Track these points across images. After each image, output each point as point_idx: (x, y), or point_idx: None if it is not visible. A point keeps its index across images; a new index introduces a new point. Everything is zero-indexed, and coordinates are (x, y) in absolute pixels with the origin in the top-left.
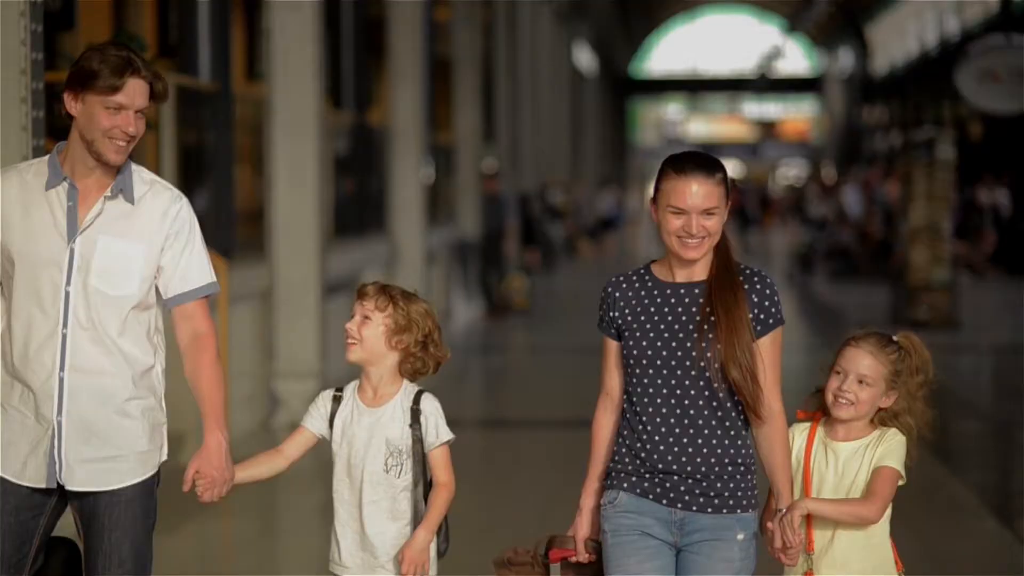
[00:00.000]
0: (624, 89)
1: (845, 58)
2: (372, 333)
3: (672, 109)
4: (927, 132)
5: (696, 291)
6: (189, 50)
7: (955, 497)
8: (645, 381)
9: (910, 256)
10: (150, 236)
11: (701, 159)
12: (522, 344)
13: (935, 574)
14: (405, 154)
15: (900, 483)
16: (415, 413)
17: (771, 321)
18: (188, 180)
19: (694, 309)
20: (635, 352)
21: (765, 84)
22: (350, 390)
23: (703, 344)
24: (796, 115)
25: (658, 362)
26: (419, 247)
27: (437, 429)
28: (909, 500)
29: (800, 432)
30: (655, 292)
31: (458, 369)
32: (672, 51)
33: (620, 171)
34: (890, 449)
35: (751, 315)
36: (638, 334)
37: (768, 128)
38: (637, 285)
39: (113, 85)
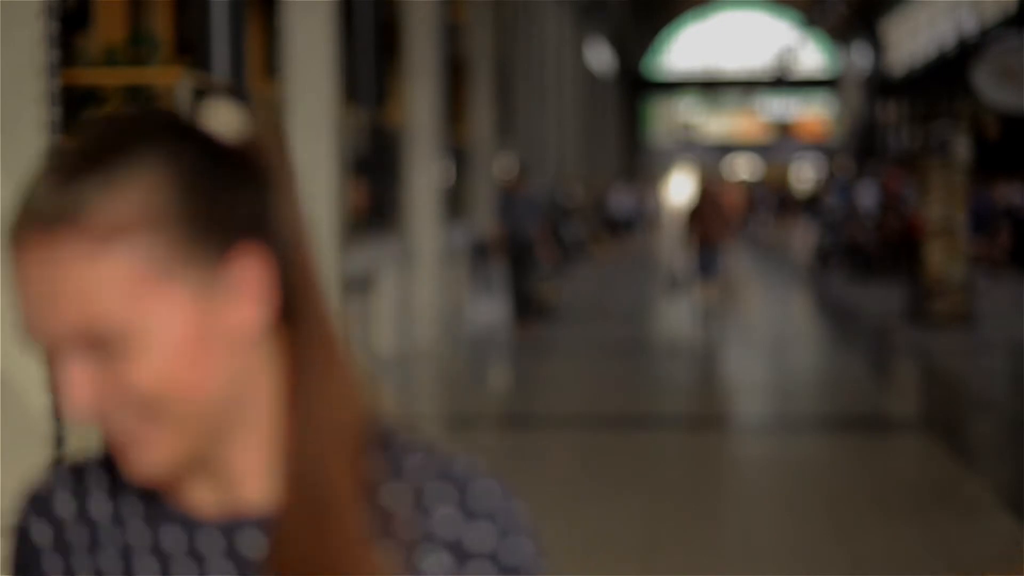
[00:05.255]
0: (638, 88)
1: (861, 55)
2: None
3: (686, 108)
4: (943, 130)
5: (246, 541)
6: (205, 49)
7: (970, 495)
8: None
9: (926, 254)
10: None
11: (56, 184)
12: (540, 345)
13: (950, 572)
14: (421, 153)
15: None
16: None
17: None
18: None
19: None
20: None
21: (781, 82)
22: None
23: None
24: (812, 113)
25: None
26: (435, 246)
27: None
28: (924, 498)
29: None
30: (132, 533)
31: (477, 371)
32: (686, 49)
33: (632, 170)
34: None
35: None
36: None
37: (784, 126)
38: (96, 509)
39: None
